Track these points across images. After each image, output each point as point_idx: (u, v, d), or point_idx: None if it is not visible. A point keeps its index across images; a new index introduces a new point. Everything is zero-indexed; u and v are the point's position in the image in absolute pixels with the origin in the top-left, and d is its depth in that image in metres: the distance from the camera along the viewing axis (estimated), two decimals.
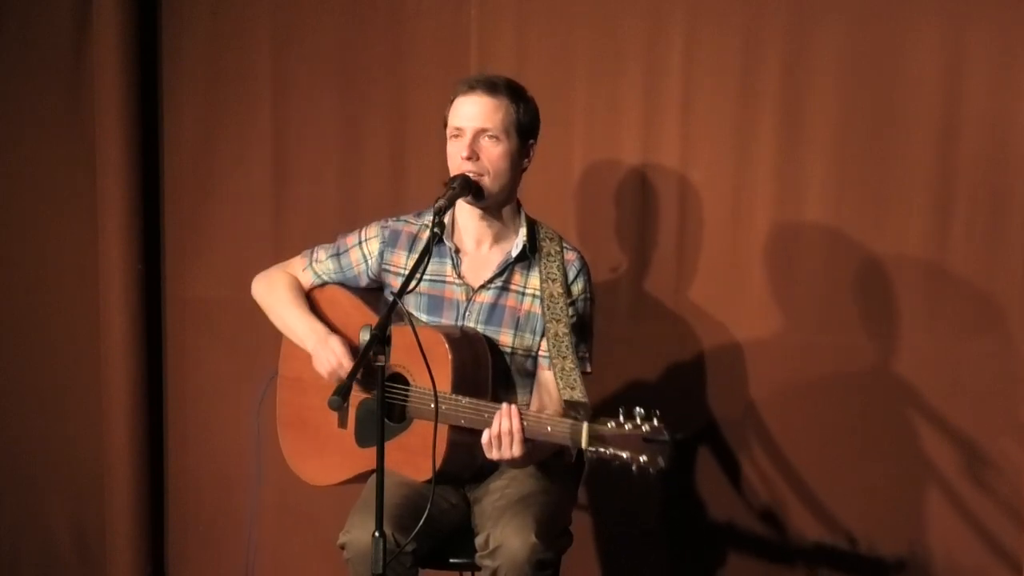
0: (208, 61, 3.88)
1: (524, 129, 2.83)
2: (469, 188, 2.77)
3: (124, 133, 3.86)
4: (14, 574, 4.04)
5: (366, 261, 2.97)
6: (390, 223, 2.98)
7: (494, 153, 2.79)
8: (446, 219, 2.87)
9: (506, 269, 2.88)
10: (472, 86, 2.80)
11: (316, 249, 3.05)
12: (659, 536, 3.58)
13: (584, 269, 2.91)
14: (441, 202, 2.70)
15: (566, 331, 2.77)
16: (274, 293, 3.02)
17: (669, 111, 3.43)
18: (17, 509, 4.03)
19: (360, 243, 2.98)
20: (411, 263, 2.90)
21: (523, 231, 2.88)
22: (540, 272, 2.85)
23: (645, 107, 3.46)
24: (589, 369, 2.88)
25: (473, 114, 2.78)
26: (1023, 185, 3.20)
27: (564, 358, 2.73)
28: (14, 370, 3.99)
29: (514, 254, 2.87)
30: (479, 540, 2.72)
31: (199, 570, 4.08)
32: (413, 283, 2.57)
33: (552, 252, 2.88)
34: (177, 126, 3.94)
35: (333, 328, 2.93)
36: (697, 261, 3.45)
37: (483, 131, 2.78)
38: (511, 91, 2.82)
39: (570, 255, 2.90)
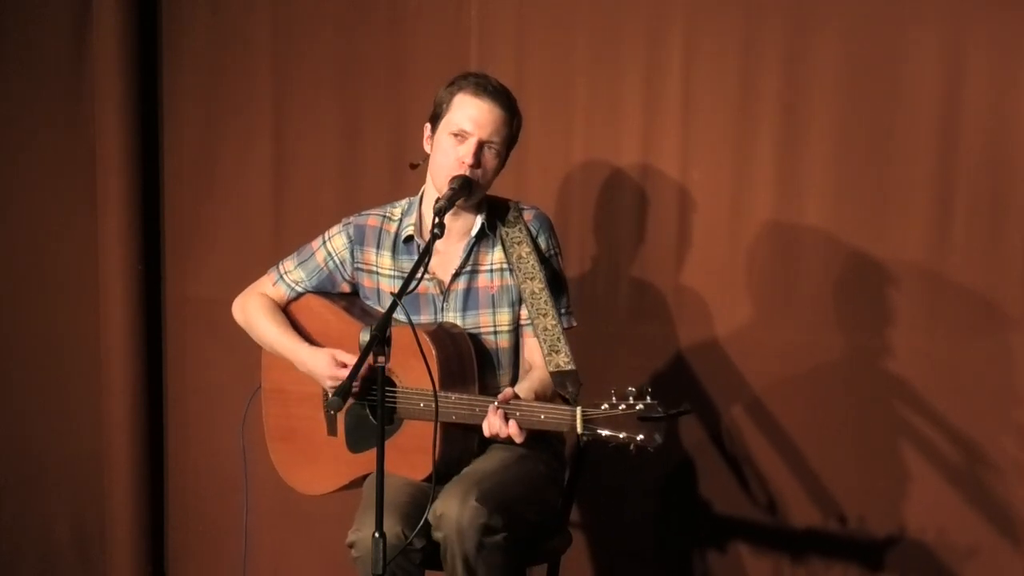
0: (208, 61, 3.89)
1: (514, 142, 2.87)
2: (468, 188, 2.77)
3: (124, 133, 3.86)
4: (14, 574, 4.05)
5: (333, 259, 2.96)
6: (352, 219, 2.97)
7: (491, 165, 2.81)
8: (413, 218, 2.89)
9: (471, 252, 2.88)
10: (485, 90, 2.79)
11: (282, 261, 3.02)
12: (658, 535, 3.58)
13: (546, 224, 2.92)
14: (442, 203, 2.70)
15: (541, 287, 2.77)
16: (253, 319, 3.00)
17: (669, 111, 3.43)
18: (17, 509, 4.03)
19: (324, 243, 2.97)
20: (381, 260, 2.91)
21: (483, 211, 2.89)
22: (503, 241, 2.85)
23: (645, 107, 3.45)
24: (575, 323, 2.89)
25: (485, 123, 2.78)
26: (1023, 186, 3.20)
27: (544, 316, 2.73)
28: (14, 370, 3.99)
29: (474, 233, 2.87)
30: (429, 515, 2.66)
31: (199, 570, 4.09)
32: (413, 284, 2.57)
33: (511, 219, 2.88)
34: (177, 126, 3.94)
35: (313, 339, 2.93)
36: (696, 261, 3.45)
37: (489, 143, 2.78)
38: (513, 102, 2.83)
39: (528, 214, 2.91)
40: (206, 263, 3.96)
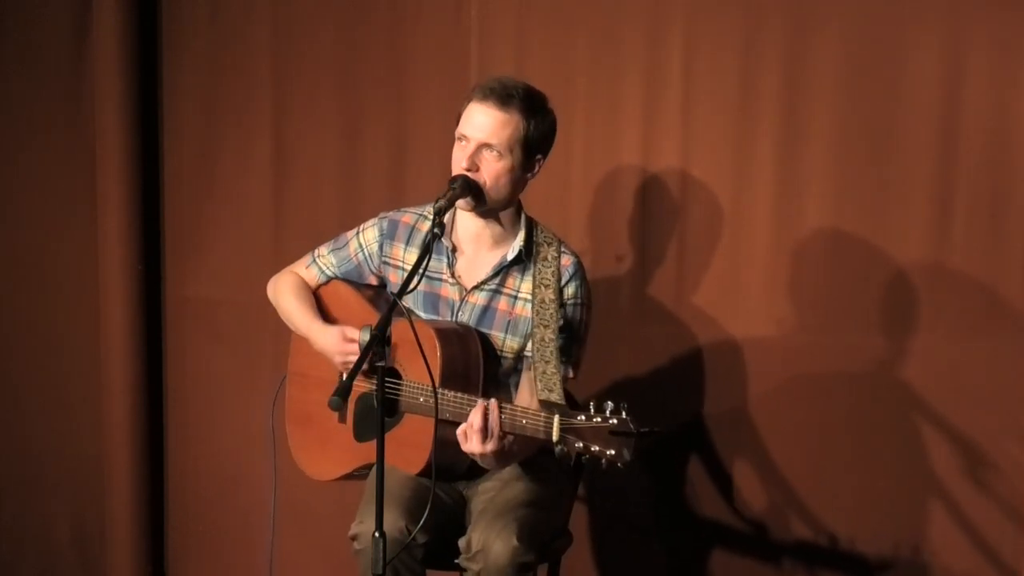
0: (208, 61, 3.89)
1: (532, 145, 2.80)
2: (469, 189, 2.76)
3: (124, 133, 3.86)
4: (14, 574, 4.05)
5: (363, 250, 2.96)
6: (388, 214, 2.97)
7: (494, 168, 2.77)
8: (447, 218, 2.87)
9: (500, 272, 2.87)
10: (486, 94, 2.76)
11: (319, 247, 3.06)
12: (659, 536, 3.58)
13: (578, 274, 2.88)
14: (441, 202, 2.69)
15: (552, 337, 2.75)
16: (281, 295, 3.03)
17: (669, 112, 3.43)
18: (17, 509, 4.03)
19: (357, 234, 2.99)
20: (409, 256, 2.91)
21: (521, 234, 2.88)
22: (534, 277, 2.84)
23: (645, 107, 3.45)
24: (572, 374, 2.86)
25: (480, 125, 2.75)
26: (1023, 185, 3.20)
27: (547, 362, 2.71)
28: (14, 370, 3.99)
29: (509, 258, 2.86)
30: (462, 543, 2.72)
31: (199, 570, 4.08)
32: (413, 283, 2.57)
33: (549, 257, 2.86)
34: (177, 126, 3.95)
35: (336, 323, 2.94)
36: (698, 261, 3.45)
37: (487, 145, 2.76)
38: (526, 104, 2.77)
39: (566, 259, 2.88)
40: (206, 263, 3.96)
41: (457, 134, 2.80)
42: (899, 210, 3.29)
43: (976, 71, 3.20)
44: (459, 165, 2.77)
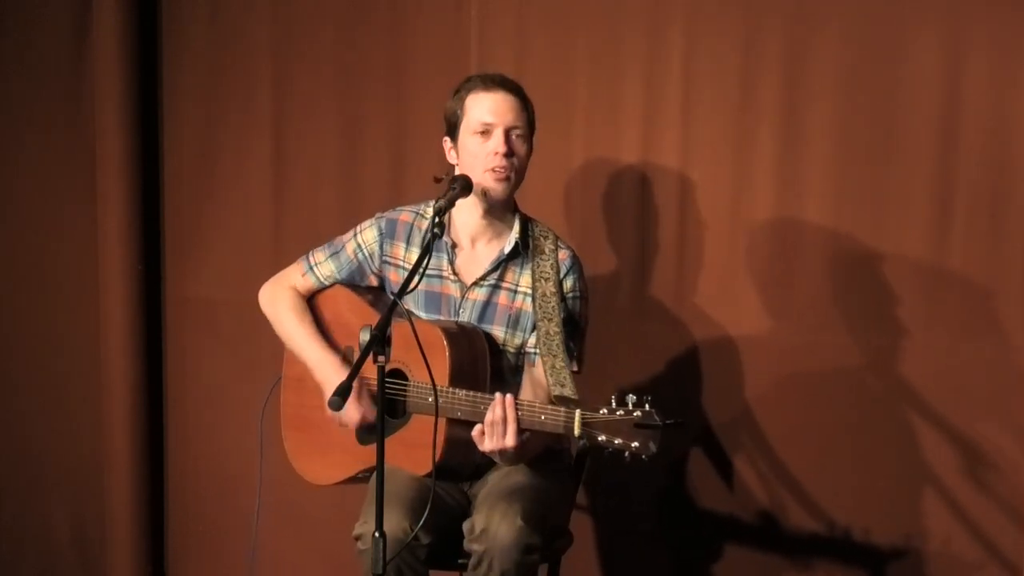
0: (208, 61, 3.89)
1: (534, 129, 2.87)
2: (470, 189, 2.77)
3: (124, 133, 3.87)
4: (14, 574, 4.05)
5: (363, 251, 2.96)
6: (385, 214, 2.98)
7: (522, 152, 2.83)
8: (443, 217, 2.87)
9: (499, 266, 2.88)
10: (493, 82, 2.80)
11: (313, 252, 3.03)
12: (659, 535, 3.58)
13: (576, 266, 2.91)
14: (442, 202, 2.70)
15: (557, 330, 2.77)
16: (280, 315, 3.00)
17: (669, 111, 3.43)
18: (17, 509, 4.04)
19: (355, 235, 2.98)
20: (410, 256, 2.91)
21: (516, 228, 2.89)
22: (533, 270, 2.85)
23: (645, 107, 3.45)
24: (577, 368, 2.87)
25: (505, 110, 2.79)
26: (1023, 185, 3.20)
27: (555, 356, 2.73)
28: (14, 370, 3.99)
29: (506, 251, 2.88)
30: (466, 525, 2.71)
31: (199, 570, 4.09)
32: (414, 283, 2.57)
33: (546, 250, 2.88)
34: (177, 126, 3.95)
35: (336, 330, 2.93)
36: (697, 261, 3.45)
37: (514, 129, 2.79)
38: (523, 92, 2.85)
39: (563, 253, 2.90)
40: (206, 263, 3.96)
41: (475, 127, 2.81)
42: (899, 210, 3.29)
43: (976, 71, 3.19)
44: (494, 154, 2.78)
